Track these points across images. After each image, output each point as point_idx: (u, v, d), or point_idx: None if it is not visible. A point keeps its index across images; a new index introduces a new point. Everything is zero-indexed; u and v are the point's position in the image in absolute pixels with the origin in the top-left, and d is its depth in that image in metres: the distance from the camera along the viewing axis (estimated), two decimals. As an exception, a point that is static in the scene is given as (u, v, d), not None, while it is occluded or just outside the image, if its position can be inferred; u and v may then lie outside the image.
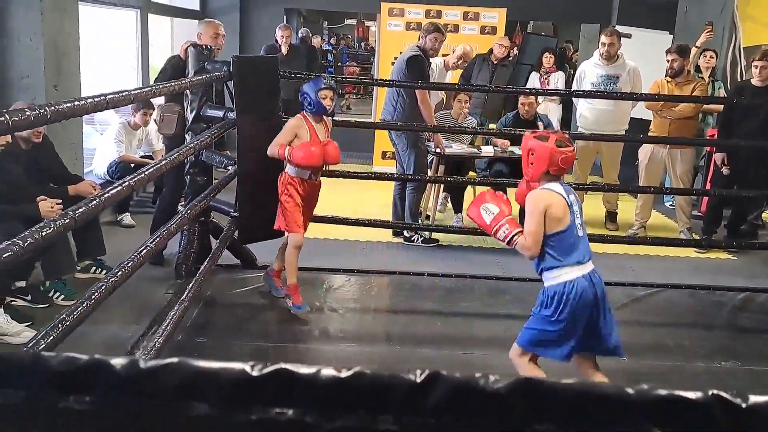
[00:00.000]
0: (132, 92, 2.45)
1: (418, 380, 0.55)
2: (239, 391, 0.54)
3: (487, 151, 5.92)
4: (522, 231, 2.78)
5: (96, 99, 2.17)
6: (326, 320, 4.10)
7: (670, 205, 6.95)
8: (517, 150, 5.87)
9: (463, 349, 3.81)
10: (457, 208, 6.08)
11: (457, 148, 5.83)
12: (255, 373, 0.54)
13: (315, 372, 0.55)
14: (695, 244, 5.69)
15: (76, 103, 2.04)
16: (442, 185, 6.01)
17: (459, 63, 5.85)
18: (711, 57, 6.45)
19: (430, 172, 5.77)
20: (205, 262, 3.77)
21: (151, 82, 6.39)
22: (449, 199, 6.30)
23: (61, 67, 4.46)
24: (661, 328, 4.27)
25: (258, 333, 3.83)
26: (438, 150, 5.61)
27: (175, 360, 0.55)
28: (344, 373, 0.54)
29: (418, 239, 5.58)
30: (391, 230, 5.68)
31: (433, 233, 5.63)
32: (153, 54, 6.90)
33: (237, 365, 0.55)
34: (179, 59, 4.53)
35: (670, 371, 3.66)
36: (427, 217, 5.88)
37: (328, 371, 0.55)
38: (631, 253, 5.57)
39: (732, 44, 7.29)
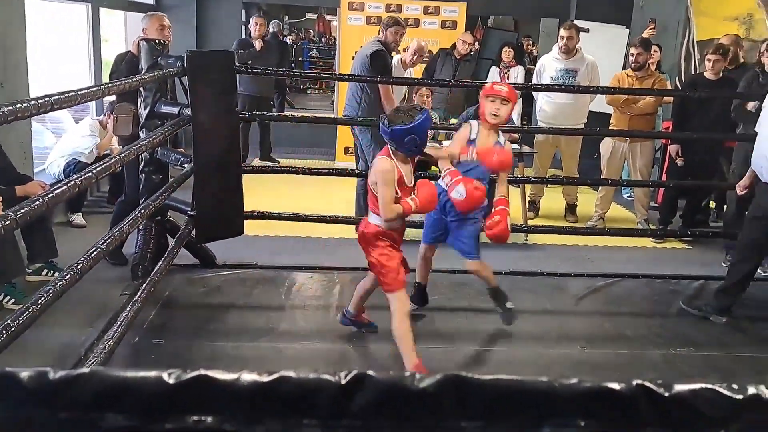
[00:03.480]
0: (79, 92, 2.38)
1: (344, 382, 0.53)
2: (156, 401, 0.52)
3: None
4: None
5: (40, 100, 2.09)
6: (289, 318, 4.06)
7: (628, 196, 7.06)
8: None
9: (426, 343, 3.80)
10: (420, 202, 6.07)
11: (418, 142, 5.81)
12: (172, 381, 0.52)
13: (236, 378, 0.52)
14: (652, 234, 5.80)
15: (19, 105, 1.97)
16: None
17: (415, 59, 5.82)
18: (655, 50, 6.57)
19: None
20: (161, 262, 3.70)
21: (105, 79, 6.25)
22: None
23: (7, 64, 4.32)
24: (619, 317, 4.33)
25: (218, 333, 3.77)
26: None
27: (86, 370, 0.52)
28: (266, 378, 0.52)
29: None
30: (354, 226, 5.65)
31: (394, 228, 5.61)
32: (106, 49, 6.75)
33: (153, 373, 0.53)
34: (132, 55, 4.43)
35: (627, 360, 3.71)
36: (390, 212, 5.87)
37: (249, 376, 0.53)
38: (591, 244, 5.64)
39: (686, 38, 7.44)
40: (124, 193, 4.66)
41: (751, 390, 0.57)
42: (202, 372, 0.53)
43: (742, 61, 5.96)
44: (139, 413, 0.52)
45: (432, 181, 3.54)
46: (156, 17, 4.54)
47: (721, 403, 0.55)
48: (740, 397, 0.56)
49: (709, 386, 0.56)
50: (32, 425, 0.53)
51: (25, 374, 0.52)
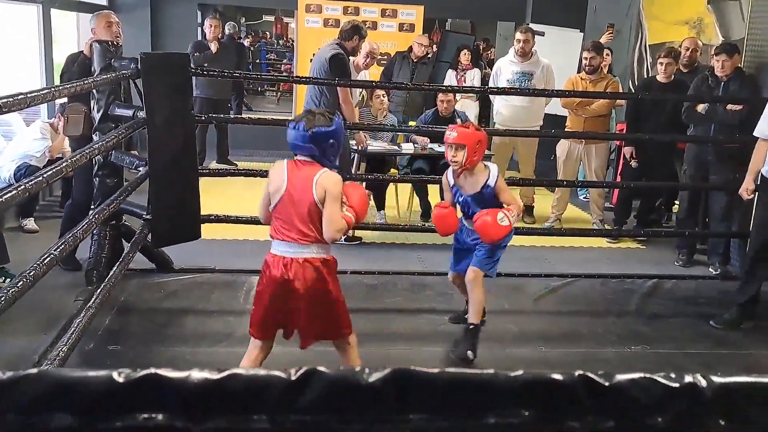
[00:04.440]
0: (29, 95, 2.33)
1: (293, 378, 0.54)
2: (105, 399, 0.52)
3: (408, 148, 5.97)
4: (510, 207, 3.51)
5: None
6: (247, 323, 4.02)
7: (584, 198, 7.20)
8: (437, 147, 5.95)
9: (386, 345, 3.83)
10: (379, 205, 6.11)
11: (377, 145, 5.84)
12: (121, 380, 0.52)
13: (185, 376, 0.53)
14: (607, 234, 5.92)
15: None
16: (364, 183, 6.01)
17: (368, 61, 5.83)
18: (607, 54, 6.72)
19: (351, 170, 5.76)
20: (116, 267, 3.64)
21: (56, 80, 6.12)
22: (371, 196, 6.32)
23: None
24: (575, 316, 4.42)
25: (175, 338, 3.73)
26: (359, 147, 5.61)
27: (35, 371, 0.52)
28: (216, 375, 0.53)
29: (341, 237, 5.56)
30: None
31: (355, 231, 5.62)
32: (57, 51, 6.61)
33: (103, 373, 0.53)
34: (84, 57, 4.33)
35: (583, 358, 3.79)
36: (349, 214, 5.87)
37: (199, 374, 0.53)
38: (547, 245, 5.73)
39: (638, 42, 7.62)
40: (72, 196, 4.58)
41: (687, 379, 0.59)
42: (152, 371, 0.53)
43: (696, 64, 6.11)
44: (89, 412, 0.52)
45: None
46: (102, 15, 4.45)
47: (658, 392, 0.58)
48: (676, 385, 0.58)
49: (647, 375, 0.58)
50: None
51: (-29, 377, 0.52)
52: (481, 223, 3.41)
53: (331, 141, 2.70)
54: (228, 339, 3.76)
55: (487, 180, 3.52)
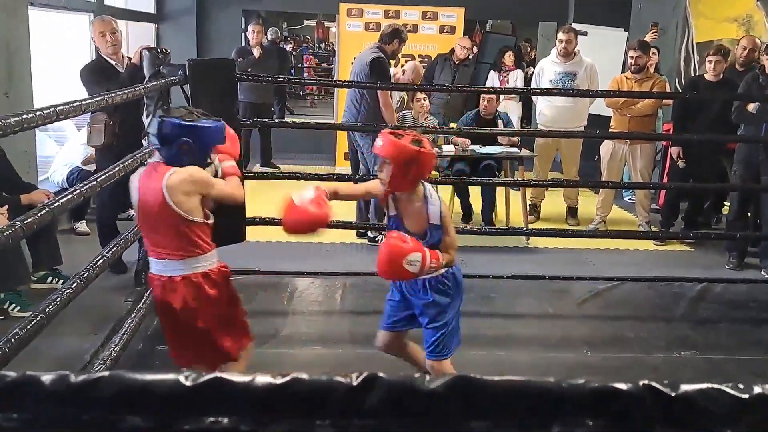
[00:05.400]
0: (84, 102, 2.40)
1: (355, 383, 0.55)
2: (173, 402, 0.54)
3: (448, 150, 5.95)
4: (437, 253, 2.61)
5: (45, 111, 2.12)
6: (291, 324, 4.07)
7: (630, 199, 7.07)
8: (477, 148, 5.92)
9: (427, 348, 3.82)
10: (420, 207, 6.10)
11: (418, 147, 5.84)
12: (189, 383, 0.54)
13: (250, 379, 0.54)
14: (653, 237, 5.80)
15: (24, 116, 1.99)
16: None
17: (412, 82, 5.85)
18: (653, 53, 6.58)
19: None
20: (165, 269, 3.71)
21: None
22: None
23: (12, 74, 4.35)
24: (621, 320, 4.34)
25: (221, 339, 3.78)
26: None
27: (106, 373, 0.54)
28: (280, 379, 0.54)
29: (382, 240, 5.58)
30: (355, 231, 5.67)
31: (396, 233, 5.63)
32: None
33: (171, 376, 0.54)
34: (134, 66, 4.40)
35: (630, 363, 3.72)
36: (391, 217, 5.89)
37: (263, 378, 0.54)
38: (592, 248, 5.64)
39: (685, 40, 7.46)
40: (97, 209, 4.73)
41: (757, 390, 0.58)
42: (218, 375, 0.54)
43: (753, 63, 5.93)
44: (158, 414, 0.53)
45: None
46: (96, 23, 4.42)
47: (728, 402, 0.57)
48: (746, 396, 0.57)
49: (715, 386, 0.57)
50: (51, 428, 0.54)
51: (46, 378, 0.54)
52: (386, 248, 2.53)
53: (184, 139, 2.27)
54: (273, 340, 3.80)
55: (429, 218, 2.73)
